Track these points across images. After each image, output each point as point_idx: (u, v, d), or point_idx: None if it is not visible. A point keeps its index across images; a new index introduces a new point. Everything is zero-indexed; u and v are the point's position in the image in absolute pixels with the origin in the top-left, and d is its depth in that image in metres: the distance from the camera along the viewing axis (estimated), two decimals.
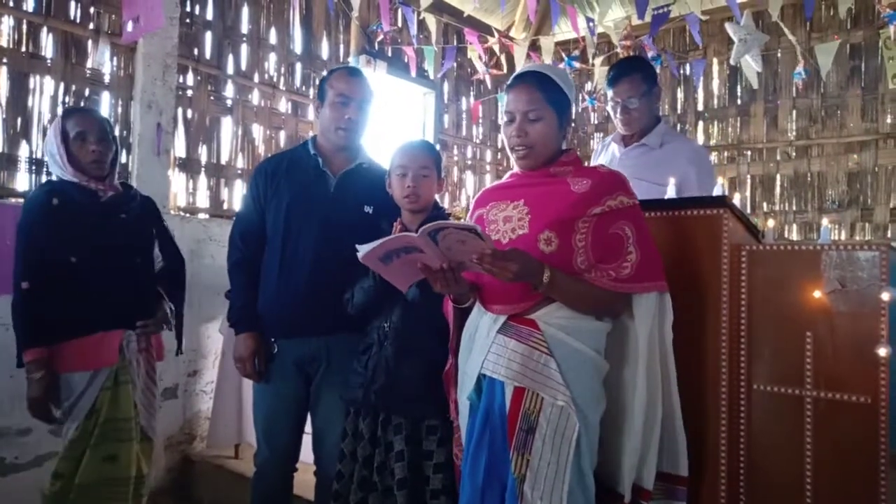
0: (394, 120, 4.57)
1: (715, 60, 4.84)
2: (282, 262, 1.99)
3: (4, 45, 2.71)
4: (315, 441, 2.05)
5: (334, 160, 2.06)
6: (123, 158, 3.02)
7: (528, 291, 1.44)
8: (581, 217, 1.45)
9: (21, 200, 2.67)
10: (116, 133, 2.19)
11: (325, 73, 3.99)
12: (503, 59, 4.48)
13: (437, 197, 1.96)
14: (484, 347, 1.50)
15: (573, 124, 1.60)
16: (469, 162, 5.26)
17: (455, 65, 4.90)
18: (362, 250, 1.47)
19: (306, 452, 2.12)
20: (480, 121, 5.29)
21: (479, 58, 4.36)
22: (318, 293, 1.92)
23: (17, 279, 1.89)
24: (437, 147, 4.75)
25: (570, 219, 1.45)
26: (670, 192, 1.96)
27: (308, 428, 2.10)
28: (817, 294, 1.55)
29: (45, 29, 2.81)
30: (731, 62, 3.74)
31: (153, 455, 2.21)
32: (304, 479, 2.15)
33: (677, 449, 1.51)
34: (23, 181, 2.76)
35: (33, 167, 2.78)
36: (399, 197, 1.86)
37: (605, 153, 2.53)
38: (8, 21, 2.72)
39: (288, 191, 2.01)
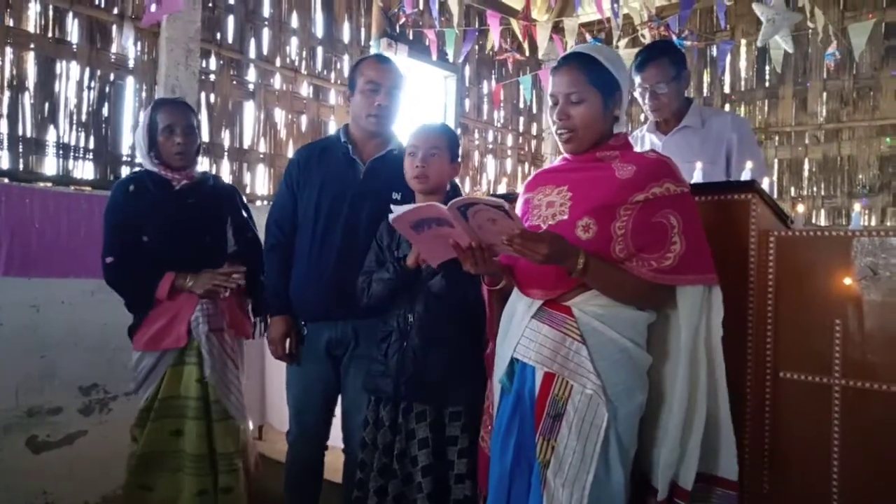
0: (414, 104, 4.55)
1: (743, 42, 4.72)
2: (311, 247, 2.03)
3: (31, 30, 2.74)
4: (344, 419, 2.09)
5: (365, 147, 2.08)
6: None
7: (564, 277, 1.40)
8: (623, 204, 1.40)
9: (49, 185, 2.74)
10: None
11: (346, 57, 4.01)
12: (525, 42, 4.41)
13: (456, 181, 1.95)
14: (517, 332, 1.49)
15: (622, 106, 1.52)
16: (490, 146, 5.22)
17: (476, 48, 4.84)
18: (396, 212, 1.47)
19: (334, 436, 2.15)
20: (502, 104, 5.24)
21: (501, 47, 4.31)
22: (347, 278, 1.93)
23: (103, 255, 2.13)
24: (458, 131, 4.76)
25: (612, 205, 1.40)
26: (696, 177, 1.92)
27: (337, 411, 2.14)
28: (847, 281, 1.51)
29: (70, 14, 2.84)
30: (759, 44, 3.64)
31: (244, 435, 2.20)
32: (329, 460, 2.18)
33: (724, 451, 1.45)
34: (51, 165, 2.80)
35: (61, 152, 2.82)
36: (409, 177, 1.84)
37: (641, 146, 2.45)
38: (35, 6, 2.75)
39: (319, 178, 2.06)
